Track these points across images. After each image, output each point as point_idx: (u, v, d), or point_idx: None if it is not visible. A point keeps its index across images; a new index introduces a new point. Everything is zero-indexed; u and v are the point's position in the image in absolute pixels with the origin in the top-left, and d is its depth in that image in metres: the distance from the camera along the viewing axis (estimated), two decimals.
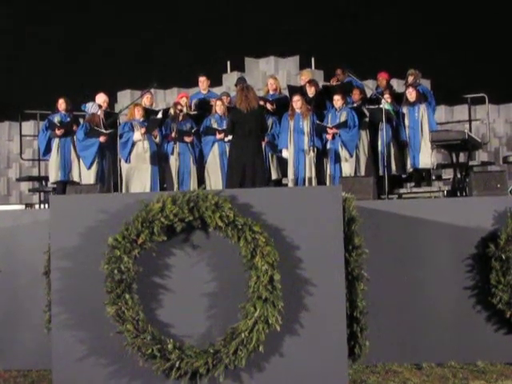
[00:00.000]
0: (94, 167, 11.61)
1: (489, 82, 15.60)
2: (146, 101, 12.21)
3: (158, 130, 11.60)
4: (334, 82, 12.50)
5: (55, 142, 12.02)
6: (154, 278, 6.68)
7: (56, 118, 12.11)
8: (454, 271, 7.66)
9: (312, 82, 12.18)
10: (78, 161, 11.86)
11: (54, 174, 12.06)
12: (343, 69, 12.32)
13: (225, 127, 11.13)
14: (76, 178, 11.88)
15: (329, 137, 11.43)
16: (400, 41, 18.80)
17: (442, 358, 7.63)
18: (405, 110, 11.68)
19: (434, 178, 12.38)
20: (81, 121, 12.18)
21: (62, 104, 12.18)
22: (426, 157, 11.46)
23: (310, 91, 11.92)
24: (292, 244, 6.61)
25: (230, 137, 10.98)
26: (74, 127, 12.01)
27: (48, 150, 12.16)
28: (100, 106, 11.84)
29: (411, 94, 11.64)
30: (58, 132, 11.94)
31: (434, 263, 7.69)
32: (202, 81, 12.71)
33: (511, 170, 12.74)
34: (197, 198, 6.53)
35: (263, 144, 11.72)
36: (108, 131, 11.52)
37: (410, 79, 12.22)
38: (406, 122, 11.62)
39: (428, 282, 7.68)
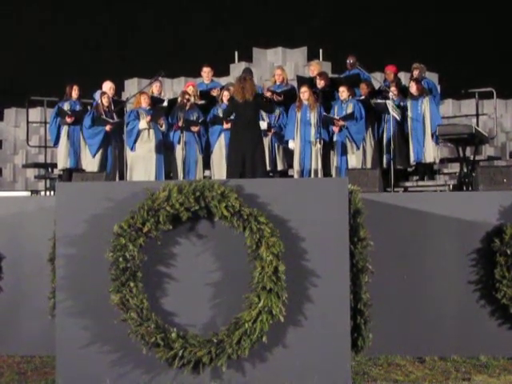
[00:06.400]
0: (99, 155, 11.63)
1: (497, 76, 15.57)
2: (154, 89, 12.22)
3: (164, 118, 11.61)
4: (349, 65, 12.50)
5: (64, 129, 12.05)
6: (158, 266, 6.68)
7: (66, 106, 12.12)
8: (459, 265, 7.65)
9: (322, 74, 12.13)
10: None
11: (62, 161, 12.08)
12: (354, 57, 12.38)
13: (232, 117, 11.13)
14: (84, 166, 11.90)
15: (336, 129, 11.42)
16: (408, 34, 18.76)
17: (444, 352, 7.63)
18: (408, 103, 11.69)
19: (438, 172, 12.38)
20: (89, 108, 12.21)
21: (76, 90, 12.19)
22: (430, 151, 11.46)
23: (320, 84, 11.87)
24: (297, 235, 6.61)
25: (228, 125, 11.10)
26: None
27: (59, 138, 12.17)
28: (104, 93, 11.84)
29: (413, 88, 11.66)
30: (68, 119, 11.95)
31: (439, 257, 7.68)
32: (207, 71, 12.70)
33: None
34: (203, 188, 6.52)
35: (270, 135, 11.74)
36: (115, 120, 11.54)
37: (415, 73, 12.24)
38: (409, 114, 11.63)
39: (432, 275, 7.67)
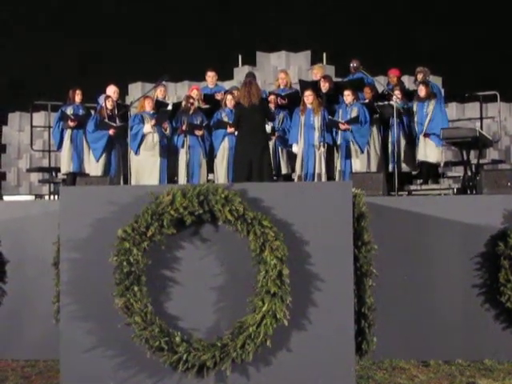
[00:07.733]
0: (103, 159, 11.64)
1: (500, 79, 15.55)
2: (158, 93, 12.26)
3: (169, 122, 11.62)
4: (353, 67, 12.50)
5: (67, 133, 12.08)
6: (162, 270, 6.68)
7: (69, 110, 12.15)
8: (463, 269, 7.64)
9: (326, 77, 12.19)
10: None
11: (65, 165, 12.11)
12: (358, 60, 12.38)
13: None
14: (88, 170, 11.93)
15: (342, 127, 11.36)
16: (411, 37, 18.76)
17: (449, 356, 7.62)
18: (414, 106, 11.70)
19: (442, 175, 12.37)
20: (92, 112, 12.25)
21: (79, 95, 12.22)
22: (432, 151, 11.49)
23: (324, 87, 11.89)
24: (301, 239, 6.60)
25: (232, 129, 11.20)
26: None
27: (62, 142, 12.20)
28: (108, 97, 11.86)
29: (423, 92, 11.66)
30: (70, 123, 11.98)
31: (443, 260, 7.67)
32: (211, 76, 12.76)
33: None
34: (207, 192, 6.52)
35: (273, 138, 11.76)
36: (118, 124, 11.54)
37: (419, 76, 12.26)
38: (416, 118, 11.64)
39: (436, 279, 7.66)
